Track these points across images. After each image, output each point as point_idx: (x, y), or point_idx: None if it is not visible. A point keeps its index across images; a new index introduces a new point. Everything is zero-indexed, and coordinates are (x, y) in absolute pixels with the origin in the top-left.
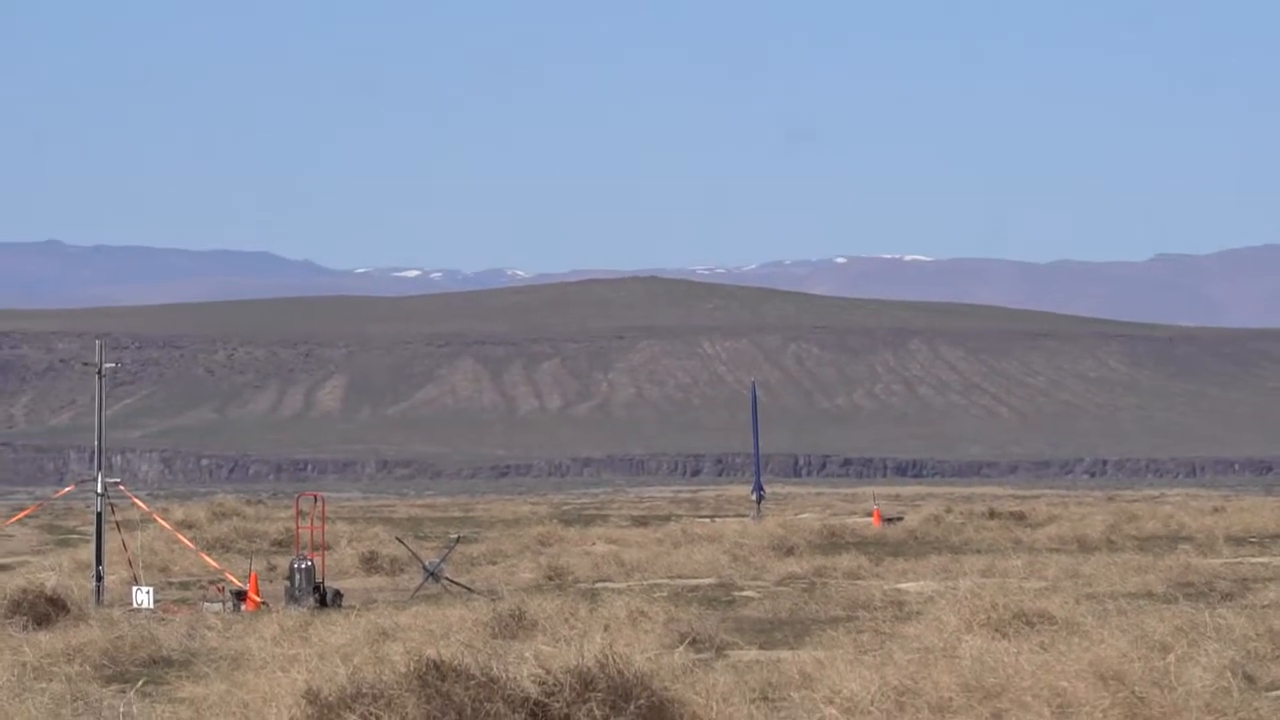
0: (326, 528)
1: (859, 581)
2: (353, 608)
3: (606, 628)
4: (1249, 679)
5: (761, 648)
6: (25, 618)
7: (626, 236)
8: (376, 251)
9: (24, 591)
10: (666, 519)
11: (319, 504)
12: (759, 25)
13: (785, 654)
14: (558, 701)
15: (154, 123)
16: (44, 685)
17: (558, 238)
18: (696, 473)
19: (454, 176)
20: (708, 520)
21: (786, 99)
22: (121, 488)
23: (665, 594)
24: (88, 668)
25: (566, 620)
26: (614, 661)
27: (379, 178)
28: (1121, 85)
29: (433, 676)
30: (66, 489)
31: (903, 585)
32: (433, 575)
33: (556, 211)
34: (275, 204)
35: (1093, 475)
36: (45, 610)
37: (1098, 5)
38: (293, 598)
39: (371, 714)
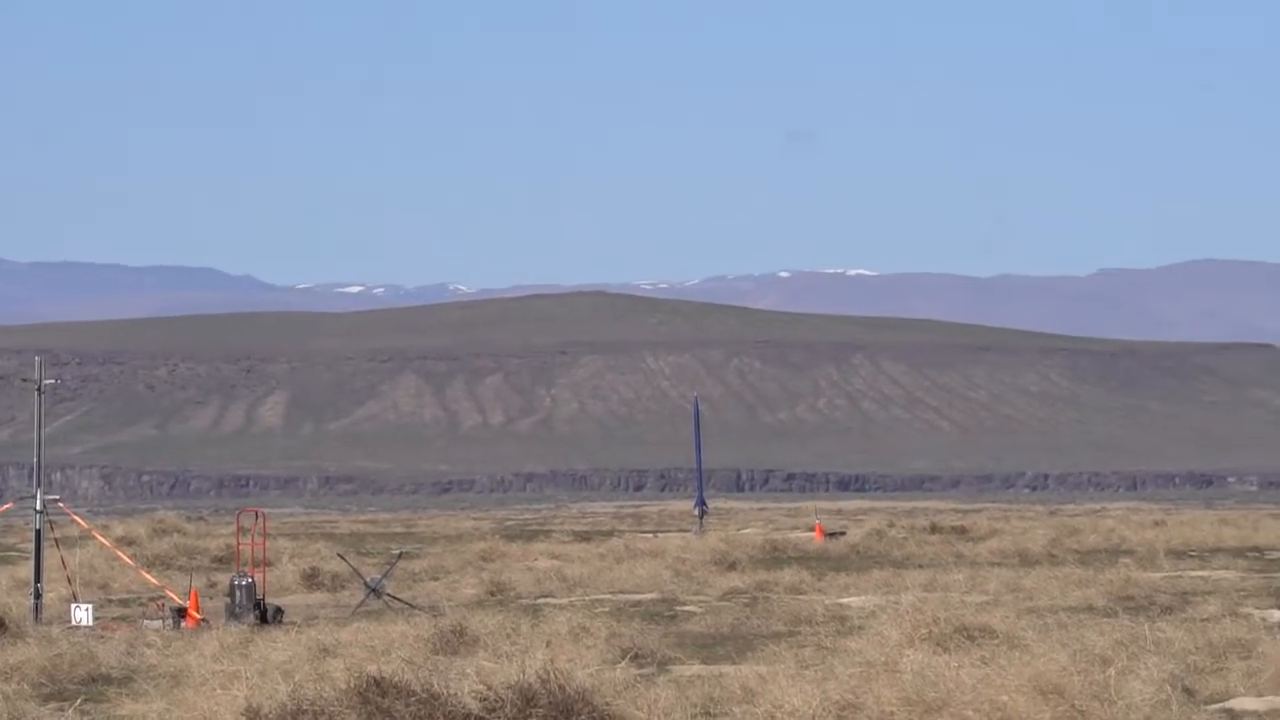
0: (268, 544)
1: (801, 596)
2: (294, 624)
3: (548, 643)
4: (1188, 692)
5: (704, 663)
6: None
7: (570, 251)
8: (318, 267)
9: None
10: (609, 534)
11: (260, 520)
12: (699, 40)
13: (728, 669)
14: (499, 718)
15: (94, 138)
16: None
17: (500, 253)
18: (639, 488)
19: (395, 191)
20: (650, 535)
21: (731, 114)
22: (61, 504)
23: (608, 609)
24: (25, 686)
25: (508, 636)
26: (556, 677)
27: (321, 193)
28: (1062, 101)
29: (374, 693)
30: (5, 506)
31: (845, 600)
32: (374, 591)
33: (499, 226)
34: (217, 219)
35: (1034, 489)
36: None
37: (1033, 26)
38: (233, 614)
39: None
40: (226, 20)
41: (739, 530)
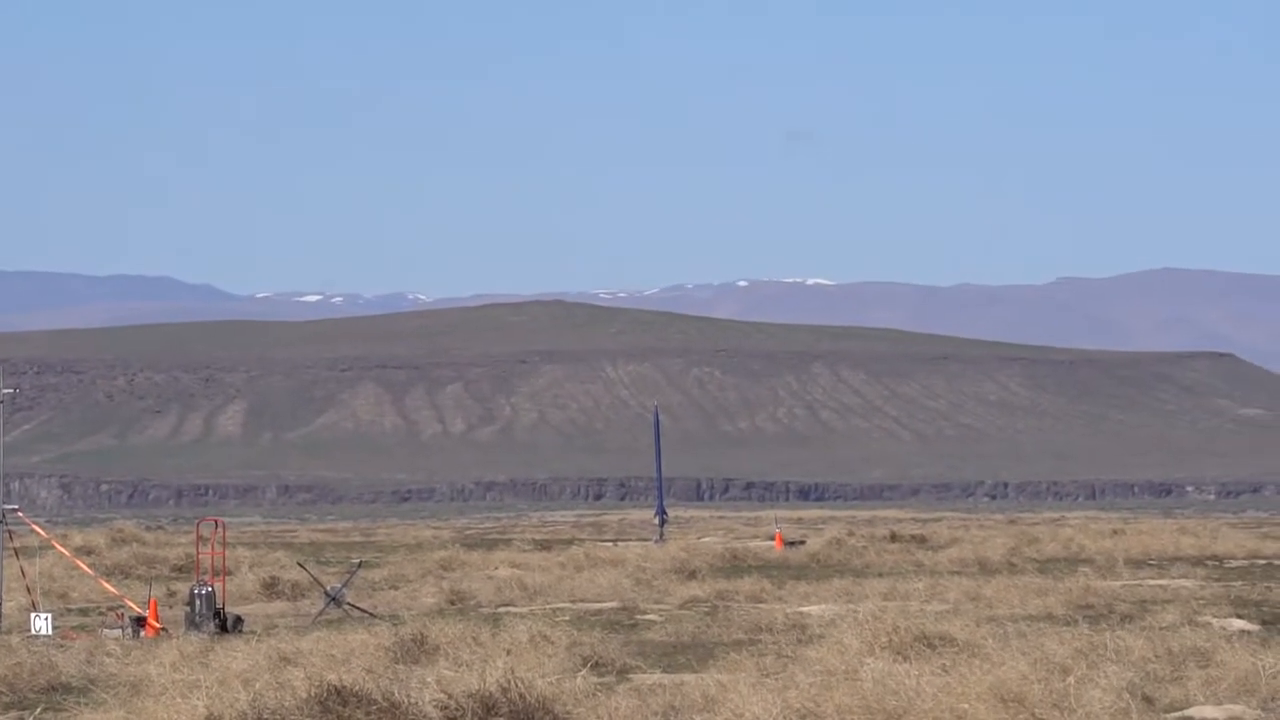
0: (227, 553)
1: (761, 605)
2: (254, 633)
3: (509, 652)
4: (1148, 700)
5: (664, 671)
6: None
7: (529, 260)
8: (277, 276)
9: None
10: (569, 543)
11: (219, 529)
12: (652, 51)
13: (688, 677)
14: None
15: (51, 146)
16: None
17: (460, 261)
18: (599, 496)
19: (354, 199)
20: (610, 544)
21: (687, 125)
22: (19, 514)
23: (568, 618)
24: None
25: (469, 645)
26: (516, 686)
27: (279, 201)
28: (1020, 109)
29: (334, 702)
30: None
31: (805, 608)
32: (334, 600)
33: (458, 235)
34: (175, 228)
35: (994, 498)
36: None
37: (994, 33)
38: (193, 623)
39: None
40: (183, 27)
41: (699, 539)
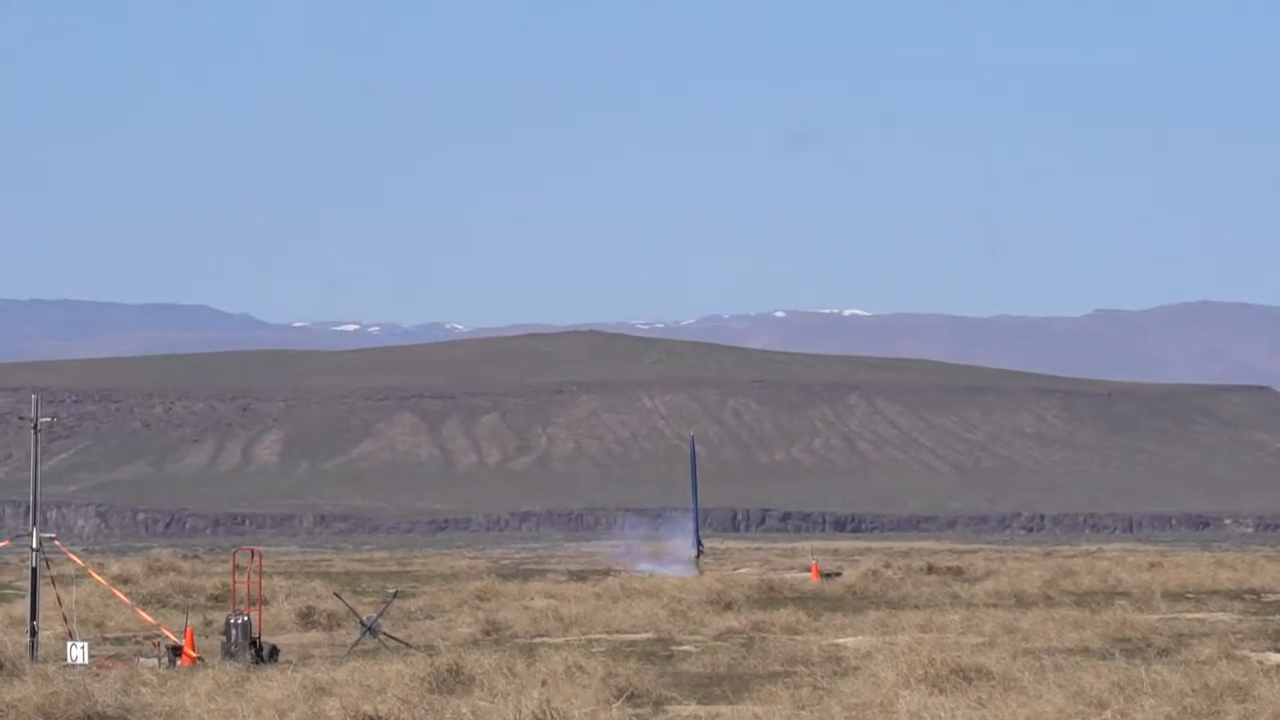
0: (263, 582)
1: (797, 636)
2: (289, 663)
3: (544, 683)
4: None
5: (700, 702)
6: None
7: (565, 291)
8: (314, 305)
9: None
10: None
11: (256, 559)
12: (689, 77)
13: (724, 709)
14: None
15: (89, 176)
16: None
17: (496, 292)
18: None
19: (392, 229)
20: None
21: (728, 150)
22: (57, 543)
23: (603, 648)
24: None
25: (504, 675)
26: (551, 716)
27: (316, 231)
28: (1057, 141)
29: None
30: (1, 544)
31: (841, 640)
32: (370, 630)
33: (495, 265)
34: (212, 257)
35: (1030, 530)
36: None
37: (1022, 60)
38: (229, 653)
39: None
40: (222, 59)
41: (735, 570)
